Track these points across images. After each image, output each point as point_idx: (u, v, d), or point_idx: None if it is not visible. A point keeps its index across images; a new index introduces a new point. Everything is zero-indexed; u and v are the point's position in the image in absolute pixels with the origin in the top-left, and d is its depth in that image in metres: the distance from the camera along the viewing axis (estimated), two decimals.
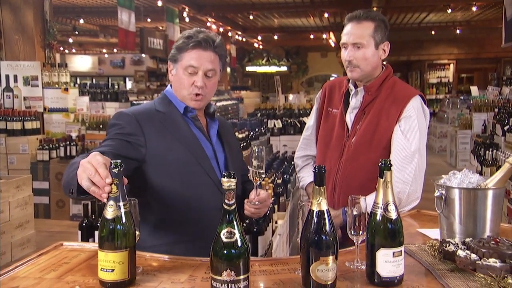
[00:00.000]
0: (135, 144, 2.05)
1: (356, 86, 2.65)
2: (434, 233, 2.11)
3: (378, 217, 1.61)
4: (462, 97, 13.79)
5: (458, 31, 17.01)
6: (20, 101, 7.60)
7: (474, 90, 10.90)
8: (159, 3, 11.17)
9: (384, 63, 2.71)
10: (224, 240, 1.42)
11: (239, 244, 1.42)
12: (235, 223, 1.44)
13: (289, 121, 8.28)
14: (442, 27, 17.29)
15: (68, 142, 7.24)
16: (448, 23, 16.80)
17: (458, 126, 11.05)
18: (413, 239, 2.09)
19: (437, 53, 19.92)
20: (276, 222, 4.01)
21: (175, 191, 2.10)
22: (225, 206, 1.44)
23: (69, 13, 14.27)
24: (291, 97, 11.91)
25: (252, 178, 2.05)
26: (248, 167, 2.08)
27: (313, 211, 1.55)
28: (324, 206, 1.55)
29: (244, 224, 3.40)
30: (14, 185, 5.25)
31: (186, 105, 2.20)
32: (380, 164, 1.62)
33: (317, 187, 1.55)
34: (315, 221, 1.54)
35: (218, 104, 13.14)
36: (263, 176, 2.05)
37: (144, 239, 1.94)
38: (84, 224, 3.34)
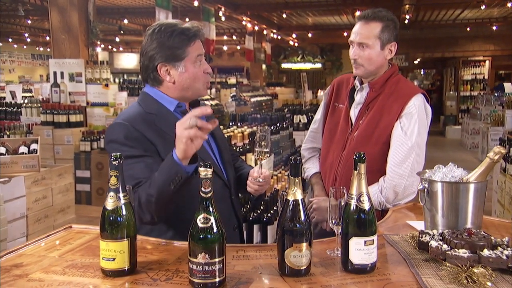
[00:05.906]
0: (151, 151, 2.11)
1: (361, 83, 2.76)
2: (420, 225, 2.18)
3: (352, 207, 1.69)
4: (496, 94, 13.56)
5: (494, 28, 16.59)
6: (66, 96, 8.17)
7: (508, 86, 10.75)
8: (196, 3, 11.39)
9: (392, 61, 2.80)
10: (200, 225, 1.53)
11: (214, 230, 1.53)
12: (211, 209, 1.54)
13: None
14: (478, 24, 16.86)
15: None
16: (484, 19, 16.39)
17: (490, 123, 10.90)
18: (399, 230, 2.18)
19: (473, 49, 19.46)
20: None
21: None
22: (202, 194, 1.54)
23: (114, 14, 14.93)
24: (320, 93, 11.94)
25: (257, 157, 2.24)
26: (255, 147, 2.26)
27: (288, 200, 1.65)
28: (299, 196, 1.65)
29: (255, 214, 3.53)
30: (56, 173, 5.65)
31: (178, 101, 2.23)
32: (354, 157, 1.71)
33: (292, 177, 1.65)
34: (290, 209, 1.64)
35: (253, 99, 13.09)
36: (267, 155, 2.26)
37: (147, 234, 2.07)
38: None
